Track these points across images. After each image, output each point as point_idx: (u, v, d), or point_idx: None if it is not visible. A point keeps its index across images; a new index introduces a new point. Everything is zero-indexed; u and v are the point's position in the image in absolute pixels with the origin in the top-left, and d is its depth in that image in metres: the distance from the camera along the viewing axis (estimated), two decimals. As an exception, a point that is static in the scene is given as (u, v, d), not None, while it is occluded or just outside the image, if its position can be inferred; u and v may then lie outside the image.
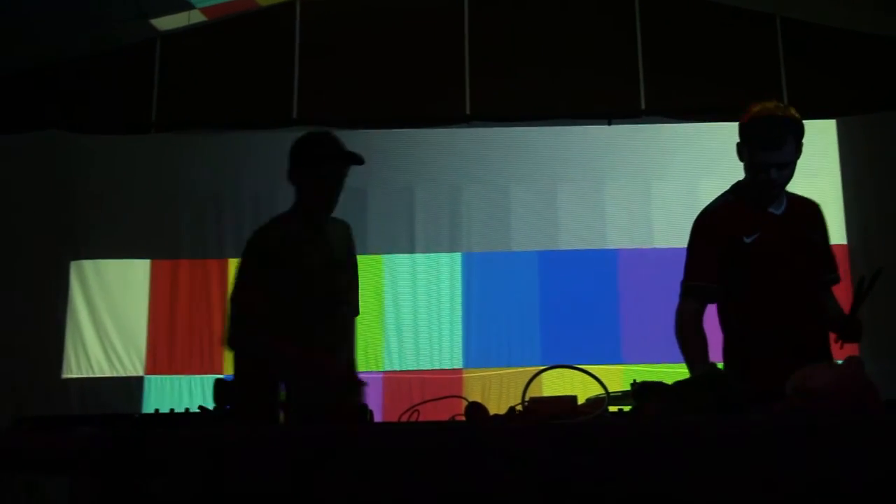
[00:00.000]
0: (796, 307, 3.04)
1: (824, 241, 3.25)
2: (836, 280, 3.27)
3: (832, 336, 3.10)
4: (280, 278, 3.10)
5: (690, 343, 3.04)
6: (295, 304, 3.12)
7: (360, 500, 1.91)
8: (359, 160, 3.27)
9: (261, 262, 3.17)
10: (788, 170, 3.01)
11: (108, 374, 6.23)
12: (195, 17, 6.61)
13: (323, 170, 3.22)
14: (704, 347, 3.01)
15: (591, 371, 2.29)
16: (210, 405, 2.30)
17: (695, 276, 3.11)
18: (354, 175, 6.42)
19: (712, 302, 3.12)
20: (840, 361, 2.28)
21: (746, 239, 3.04)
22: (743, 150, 3.07)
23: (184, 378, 6.23)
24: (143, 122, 6.65)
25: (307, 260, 3.17)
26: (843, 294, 6.23)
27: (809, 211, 3.23)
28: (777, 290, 3.03)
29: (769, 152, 2.95)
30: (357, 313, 3.48)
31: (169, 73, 6.71)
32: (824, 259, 3.24)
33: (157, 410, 2.23)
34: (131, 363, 6.26)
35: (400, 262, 6.36)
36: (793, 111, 3.03)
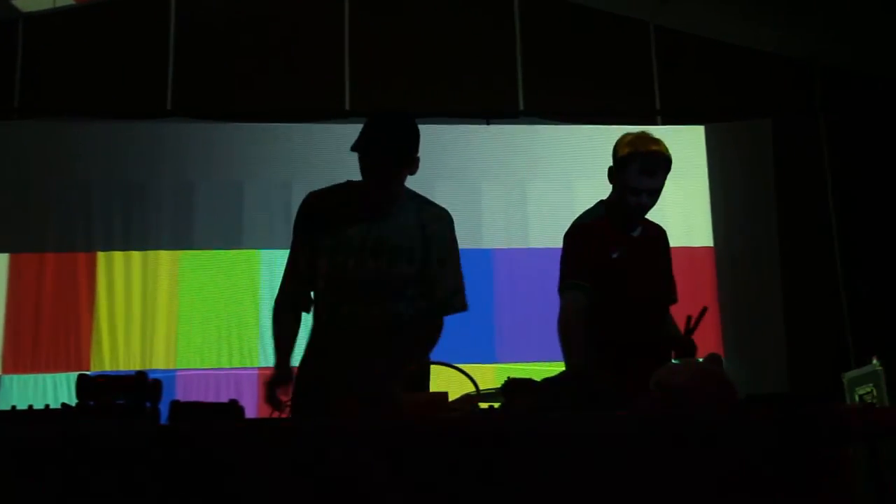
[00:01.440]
0: (647, 322, 3.28)
1: (669, 264, 3.50)
2: (674, 301, 3.51)
3: (672, 353, 3.33)
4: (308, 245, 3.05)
5: (572, 336, 3.17)
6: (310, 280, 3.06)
7: (234, 495, 1.89)
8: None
9: (298, 226, 3.13)
10: (655, 197, 3.28)
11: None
12: (62, -1, 6.37)
13: (360, 151, 3.00)
14: (583, 342, 3.14)
15: (462, 368, 2.33)
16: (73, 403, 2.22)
17: (577, 276, 3.25)
18: (232, 169, 6.37)
19: (589, 299, 3.23)
20: (701, 359, 2.37)
21: (613, 255, 3.27)
22: (617, 174, 3.29)
23: (48, 376, 6.00)
24: (4, 108, 6.36)
25: (332, 237, 3.02)
26: (707, 296, 6.50)
27: (658, 235, 3.50)
28: (632, 305, 3.25)
29: (646, 178, 3.21)
30: (434, 316, 3.10)
31: (33, 58, 6.44)
32: (669, 280, 3.49)
33: (13, 407, 2.13)
34: (-10, 361, 6.00)
35: (277, 257, 6.24)
36: (666, 147, 3.27)
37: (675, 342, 3.32)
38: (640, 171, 3.20)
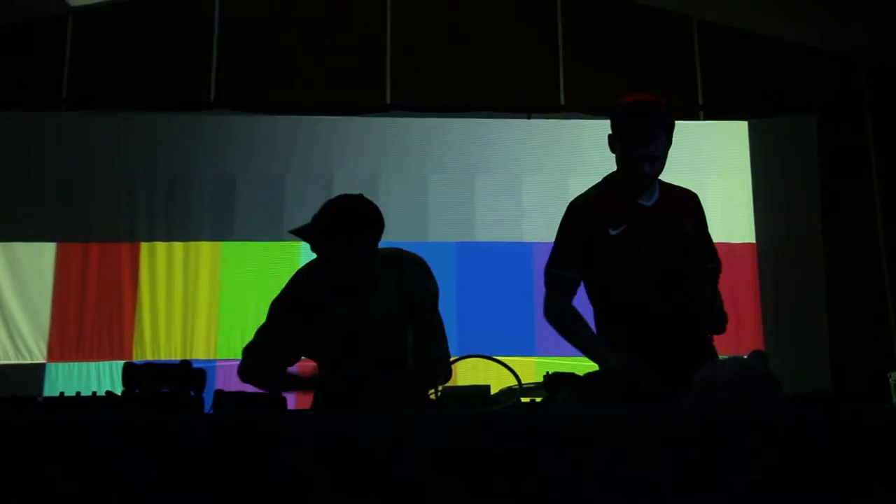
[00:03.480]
0: (665, 298, 3.01)
1: (700, 231, 3.22)
2: (716, 269, 3.26)
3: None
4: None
5: (578, 332, 3.00)
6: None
7: (274, 490, 1.89)
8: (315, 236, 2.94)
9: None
10: (659, 163, 3.01)
11: (12, 360, 6.05)
12: (110, -7, 6.44)
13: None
14: (592, 333, 2.99)
15: (504, 362, 2.32)
16: (119, 391, 2.24)
17: (557, 264, 3.10)
18: (274, 161, 6.41)
19: (573, 292, 3.08)
20: (745, 356, 2.34)
21: (612, 231, 3.04)
22: (615, 144, 3.06)
23: (92, 364, 6.08)
24: (53, 100, 6.44)
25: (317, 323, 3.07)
26: (749, 293, 6.44)
27: (684, 201, 3.20)
28: (644, 282, 3.02)
29: (641, 147, 2.94)
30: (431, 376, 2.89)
31: (82, 50, 6.51)
32: (702, 248, 3.22)
33: (61, 394, 2.16)
34: (38, 349, 6.08)
35: (317, 250, 6.31)
36: (662, 103, 3.02)
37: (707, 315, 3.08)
38: (637, 139, 2.94)
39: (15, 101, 6.38)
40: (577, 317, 3.02)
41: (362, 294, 3.03)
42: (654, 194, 3.12)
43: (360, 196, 3.02)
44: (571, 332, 3.01)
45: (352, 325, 3.01)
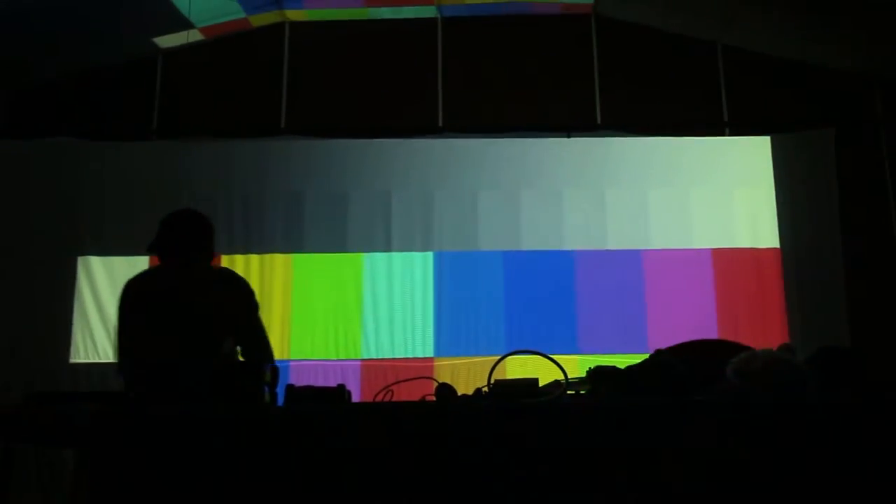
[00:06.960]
0: None
1: None
2: None
3: None
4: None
5: None
6: None
7: (338, 469, 1.89)
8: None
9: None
10: None
11: (113, 359, 6.13)
12: (194, 35, 6.54)
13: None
14: None
15: (553, 357, 2.29)
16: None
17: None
18: (338, 180, 6.44)
19: None
20: (775, 349, 2.28)
21: None
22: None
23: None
24: (145, 130, 6.58)
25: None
26: (775, 293, 6.31)
27: None
28: None
29: None
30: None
31: (169, 86, 6.65)
32: None
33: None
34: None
35: (378, 260, 6.33)
36: None
37: None
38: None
39: (112, 132, 6.53)
40: None
41: (189, 297, 3.23)
42: None
43: (188, 214, 3.50)
44: None
45: (177, 321, 3.18)
